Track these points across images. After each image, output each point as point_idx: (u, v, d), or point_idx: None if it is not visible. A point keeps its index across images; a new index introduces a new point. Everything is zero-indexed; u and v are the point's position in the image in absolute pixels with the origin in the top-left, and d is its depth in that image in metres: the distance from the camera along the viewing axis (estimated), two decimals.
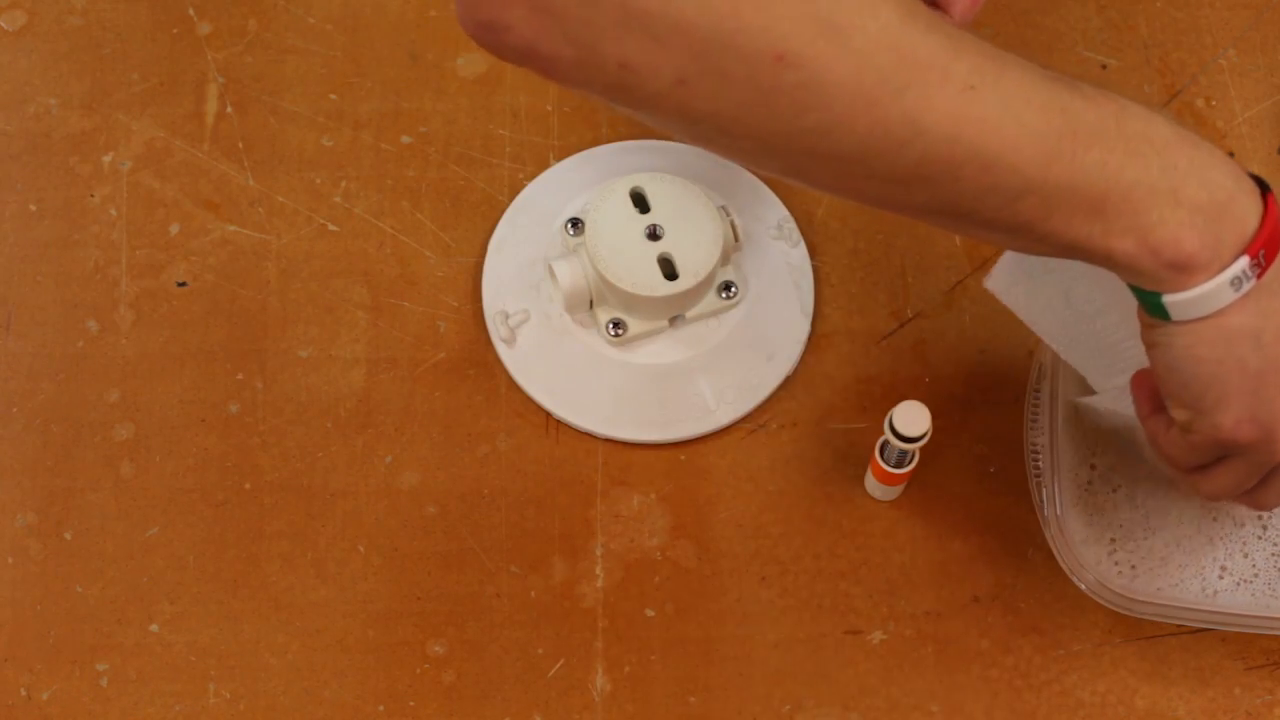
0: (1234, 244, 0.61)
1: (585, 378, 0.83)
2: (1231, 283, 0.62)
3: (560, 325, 0.84)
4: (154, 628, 0.80)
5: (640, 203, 0.81)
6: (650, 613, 0.80)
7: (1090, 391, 0.78)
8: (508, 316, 0.84)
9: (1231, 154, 0.89)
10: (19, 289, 0.86)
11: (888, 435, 0.74)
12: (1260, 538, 0.78)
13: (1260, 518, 0.78)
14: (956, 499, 0.82)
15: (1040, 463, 0.77)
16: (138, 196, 0.88)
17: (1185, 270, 0.62)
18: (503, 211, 0.87)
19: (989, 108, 0.58)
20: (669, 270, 0.80)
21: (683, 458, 0.83)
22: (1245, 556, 0.78)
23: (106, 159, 0.89)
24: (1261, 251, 0.62)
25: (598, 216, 0.80)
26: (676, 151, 0.88)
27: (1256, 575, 0.78)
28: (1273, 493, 0.69)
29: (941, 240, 0.87)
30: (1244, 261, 0.61)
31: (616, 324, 0.82)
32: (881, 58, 0.56)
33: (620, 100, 0.57)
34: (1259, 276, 0.62)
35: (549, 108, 0.90)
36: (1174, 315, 0.63)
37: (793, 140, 0.58)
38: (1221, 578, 0.77)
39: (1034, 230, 0.62)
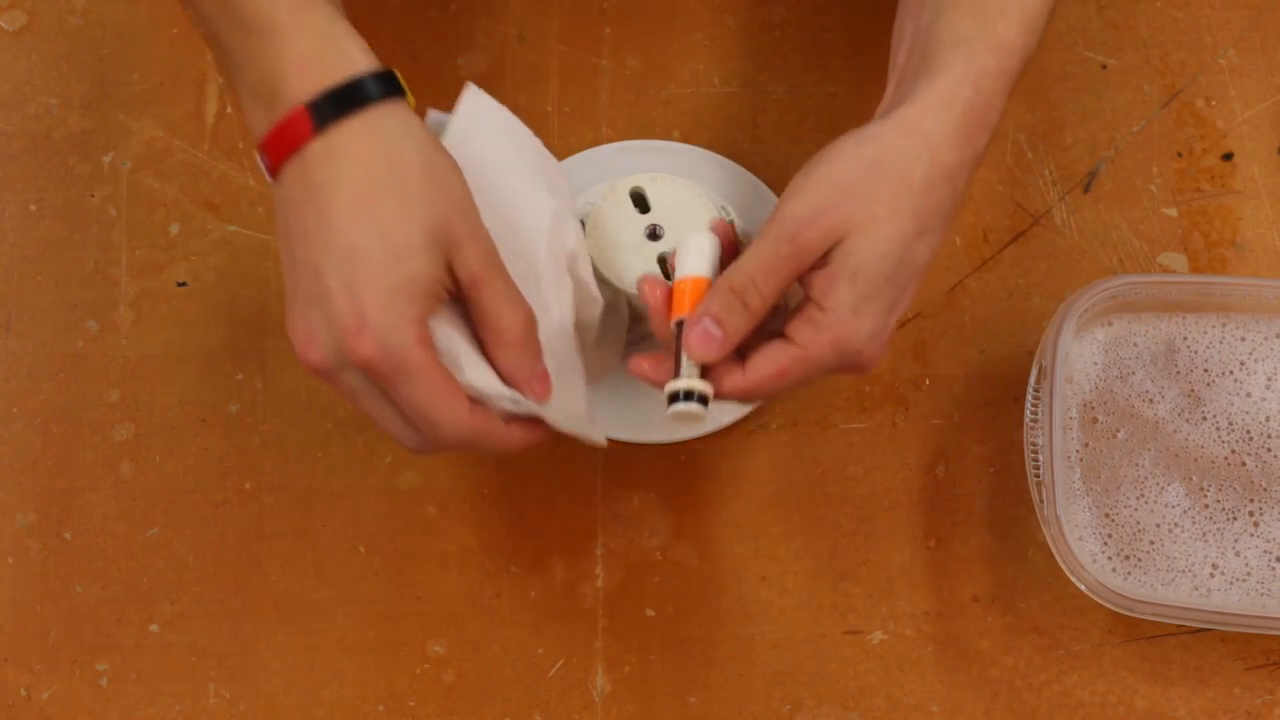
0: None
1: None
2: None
3: None
4: (154, 628, 0.80)
5: (640, 203, 0.81)
6: (650, 613, 0.80)
7: None
8: None
9: (1231, 154, 0.89)
10: (19, 289, 0.86)
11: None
12: (1252, 534, 0.78)
13: (1251, 515, 0.78)
14: (957, 499, 0.82)
15: (1040, 463, 0.77)
16: (138, 196, 0.88)
17: None
18: None
19: None
20: (669, 270, 0.80)
21: (683, 458, 0.83)
22: (1237, 555, 0.78)
23: (106, 159, 0.89)
24: (265, 154, 0.67)
25: (598, 216, 0.80)
26: (676, 152, 0.88)
27: (1249, 574, 0.78)
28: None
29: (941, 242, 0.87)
30: (259, 156, 0.67)
31: None
32: None
33: None
34: (272, 174, 0.67)
35: (549, 108, 0.90)
36: None
37: None
38: (1213, 576, 0.78)
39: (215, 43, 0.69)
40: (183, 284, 0.87)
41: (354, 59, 0.67)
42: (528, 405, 0.68)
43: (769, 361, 0.67)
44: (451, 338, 0.67)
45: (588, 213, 0.81)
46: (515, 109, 0.89)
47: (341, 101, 0.66)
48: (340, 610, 0.80)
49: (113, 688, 0.79)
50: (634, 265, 0.79)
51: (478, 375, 0.67)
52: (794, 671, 0.79)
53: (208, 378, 0.84)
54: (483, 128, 0.72)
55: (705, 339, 0.67)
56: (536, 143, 0.74)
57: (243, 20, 0.68)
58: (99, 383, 0.84)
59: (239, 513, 0.82)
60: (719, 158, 0.88)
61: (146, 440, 0.83)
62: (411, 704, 0.79)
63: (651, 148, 0.88)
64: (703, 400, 0.67)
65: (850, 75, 0.91)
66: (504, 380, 0.68)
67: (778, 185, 0.87)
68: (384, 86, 0.67)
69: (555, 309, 0.72)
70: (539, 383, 0.69)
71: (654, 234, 0.80)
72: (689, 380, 0.67)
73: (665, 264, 0.80)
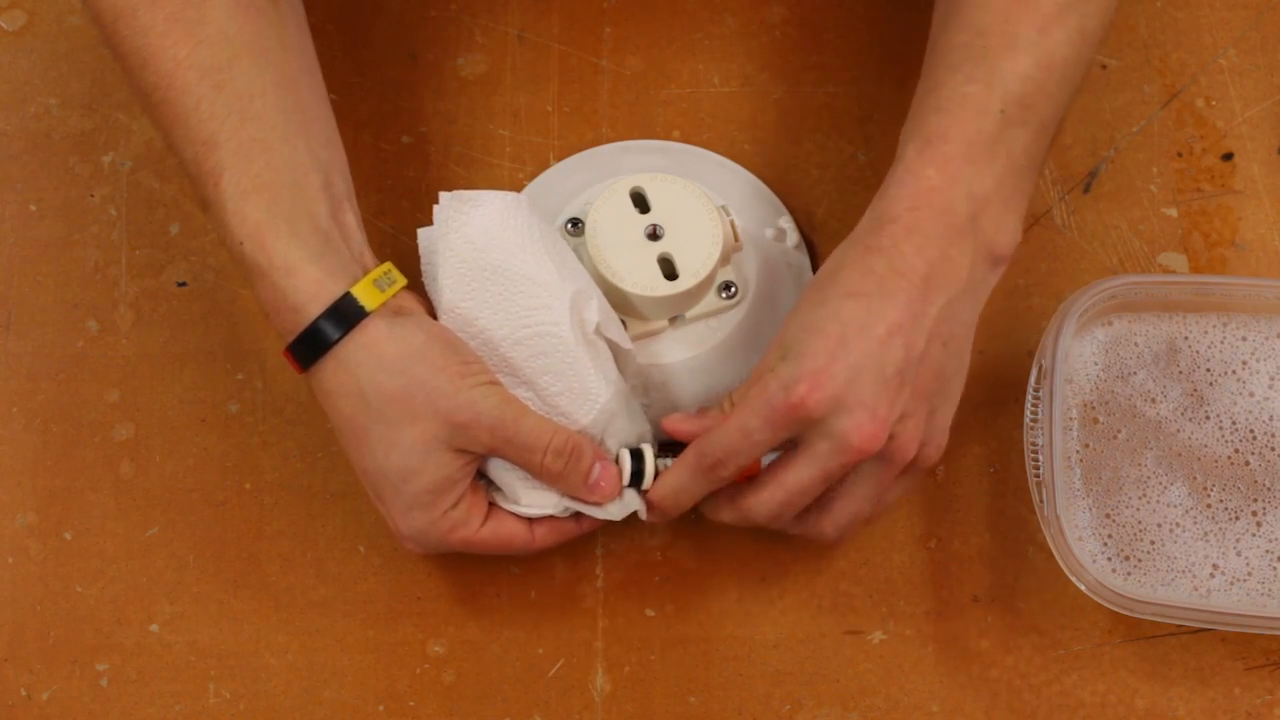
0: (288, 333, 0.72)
1: None
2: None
3: None
4: (154, 628, 0.80)
5: (640, 203, 0.81)
6: (650, 613, 0.80)
7: None
8: None
9: (1231, 154, 0.89)
10: (19, 289, 0.86)
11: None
12: (1254, 535, 0.78)
13: (1255, 514, 0.78)
14: (957, 499, 0.82)
15: (1040, 462, 0.77)
16: (138, 196, 0.88)
17: None
18: None
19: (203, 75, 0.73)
20: (669, 270, 0.80)
21: None
22: (1238, 555, 0.78)
23: (106, 159, 0.89)
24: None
25: (598, 216, 0.80)
26: (676, 151, 0.88)
27: (1250, 574, 0.78)
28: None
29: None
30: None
31: None
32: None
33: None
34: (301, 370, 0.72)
35: (549, 108, 0.90)
36: None
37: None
38: (1213, 576, 0.78)
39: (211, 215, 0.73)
40: (183, 284, 0.87)
41: (306, 303, 0.70)
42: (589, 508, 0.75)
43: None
44: (501, 468, 0.74)
45: (587, 213, 0.81)
46: (515, 109, 0.90)
47: (309, 349, 0.70)
48: (340, 610, 0.80)
49: (113, 688, 0.79)
50: (634, 265, 0.79)
51: (534, 499, 0.74)
52: (794, 671, 0.79)
53: (208, 378, 0.84)
54: (474, 240, 0.74)
55: (683, 414, 0.75)
56: (523, 210, 0.75)
57: (225, 237, 0.72)
58: (99, 383, 0.84)
59: (239, 513, 0.82)
60: (719, 158, 0.88)
61: (146, 440, 0.83)
62: (411, 704, 0.78)
63: (651, 148, 0.88)
64: (637, 469, 0.74)
65: (850, 75, 0.91)
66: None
67: (778, 185, 0.88)
68: (344, 315, 0.70)
69: (602, 385, 0.74)
70: (596, 492, 0.74)
71: (654, 234, 0.80)
72: (648, 448, 0.75)
73: (665, 264, 0.80)
